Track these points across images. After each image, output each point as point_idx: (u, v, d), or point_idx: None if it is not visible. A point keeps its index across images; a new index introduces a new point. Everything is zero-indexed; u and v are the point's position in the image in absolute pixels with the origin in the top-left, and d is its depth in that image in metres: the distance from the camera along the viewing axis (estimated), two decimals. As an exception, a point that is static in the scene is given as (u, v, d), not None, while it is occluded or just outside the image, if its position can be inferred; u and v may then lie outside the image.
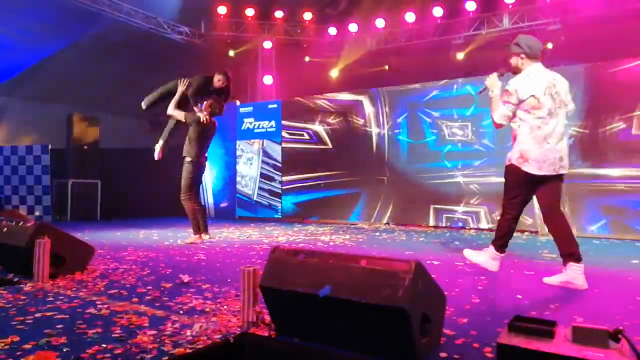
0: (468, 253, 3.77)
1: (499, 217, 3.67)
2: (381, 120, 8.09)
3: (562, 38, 7.83)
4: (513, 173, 3.40)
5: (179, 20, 9.26)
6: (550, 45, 7.85)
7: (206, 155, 5.81)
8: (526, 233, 6.67)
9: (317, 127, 8.79)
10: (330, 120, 8.67)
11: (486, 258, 3.64)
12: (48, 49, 8.47)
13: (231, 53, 10.26)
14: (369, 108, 8.23)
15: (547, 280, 3.28)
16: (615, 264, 4.22)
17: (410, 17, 9.30)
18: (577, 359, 1.42)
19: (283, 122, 9.11)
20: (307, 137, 8.90)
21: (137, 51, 9.30)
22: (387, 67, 9.71)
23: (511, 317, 1.65)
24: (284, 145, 9.15)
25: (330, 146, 8.67)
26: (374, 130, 8.23)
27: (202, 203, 5.97)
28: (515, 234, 6.45)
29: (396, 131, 7.94)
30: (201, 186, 6.00)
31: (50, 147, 8.90)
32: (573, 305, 2.68)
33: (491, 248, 3.61)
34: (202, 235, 5.68)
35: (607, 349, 1.44)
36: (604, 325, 1.50)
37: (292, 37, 10.39)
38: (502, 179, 3.61)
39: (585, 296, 2.92)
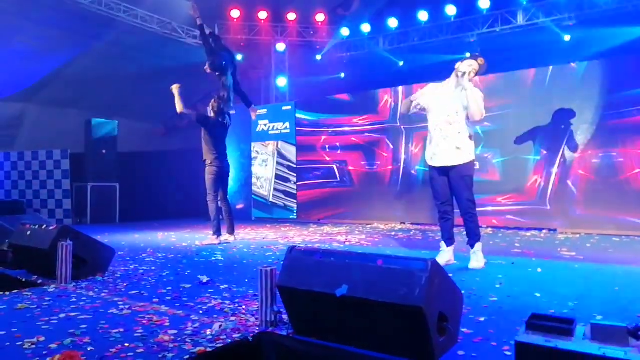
0: (473, 264, 3.79)
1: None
2: (398, 114, 8.07)
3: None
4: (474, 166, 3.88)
5: (194, 25, 9.35)
6: (567, 38, 7.76)
7: (225, 154, 5.89)
8: (544, 231, 6.60)
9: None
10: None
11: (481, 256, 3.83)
12: (65, 55, 8.62)
13: (239, 57, 10.33)
14: (387, 100, 8.24)
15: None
16: (635, 261, 4.16)
17: (423, 16, 9.26)
18: (596, 357, 1.41)
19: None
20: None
21: (153, 56, 9.42)
22: (401, 63, 9.69)
23: (529, 315, 1.65)
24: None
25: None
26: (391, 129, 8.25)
27: (229, 204, 5.95)
28: (533, 232, 6.45)
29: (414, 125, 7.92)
30: (227, 187, 5.98)
31: (69, 151, 9.08)
32: (592, 303, 2.65)
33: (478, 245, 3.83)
34: (228, 236, 5.77)
35: (627, 346, 1.43)
36: (623, 323, 1.49)
37: (305, 39, 10.43)
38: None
39: (604, 294, 2.89)
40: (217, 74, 5.89)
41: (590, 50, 7.45)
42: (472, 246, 3.81)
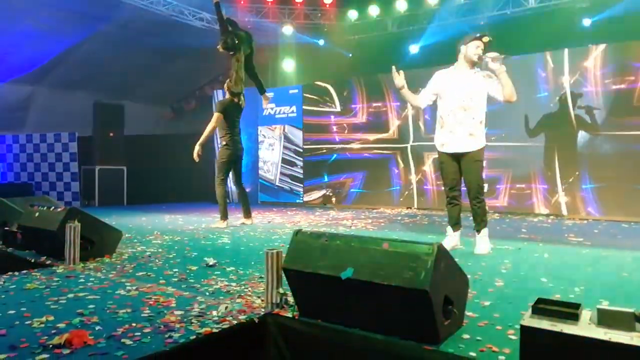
0: (479, 249, 3.78)
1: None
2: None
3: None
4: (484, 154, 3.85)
5: (201, 7, 9.28)
6: (587, 23, 7.58)
7: (239, 136, 5.83)
8: (552, 217, 6.56)
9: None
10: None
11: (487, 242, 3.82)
12: (73, 37, 8.60)
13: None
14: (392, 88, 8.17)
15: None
16: (644, 248, 4.12)
17: (432, -2, 9.10)
18: (602, 342, 1.40)
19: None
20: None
21: (160, 38, 9.37)
22: (411, 48, 9.56)
23: (535, 300, 1.64)
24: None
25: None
26: (397, 114, 8.19)
27: (243, 188, 5.91)
28: (540, 218, 6.42)
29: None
30: (240, 171, 5.94)
31: (77, 134, 9.11)
32: (599, 288, 2.64)
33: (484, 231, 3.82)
34: (245, 220, 5.77)
35: (634, 332, 1.42)
36: (630, 308, 1.48)
37: (313, 22, 10.32)
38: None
39: (611, 279, 2.88)
40: (230, 53, 5.77)
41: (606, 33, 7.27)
42: (479, 231, 3.80)
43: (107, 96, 9.83)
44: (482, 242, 3.78)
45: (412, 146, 8.05)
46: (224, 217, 5.68)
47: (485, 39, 3.73)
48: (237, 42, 5.72)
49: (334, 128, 8.90)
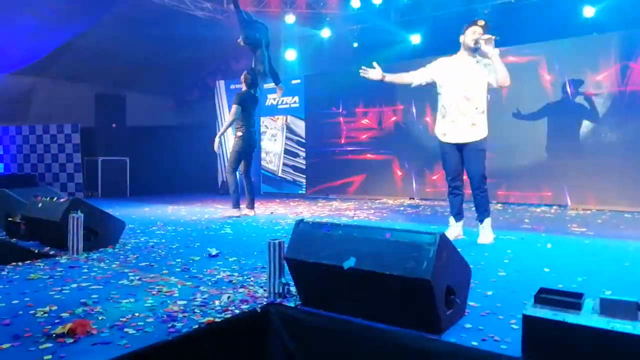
0: (482, 239, 3.77)
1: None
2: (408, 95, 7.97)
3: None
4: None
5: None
6: (591, 11, 7.49)
7: (255, 127, 5.91)
8: (554, 207, 6.55)
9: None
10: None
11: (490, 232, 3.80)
12: (75, 28, 8.56)
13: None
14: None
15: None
16: (647, 238, 4.11)
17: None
18: (604, 331, 1.40)
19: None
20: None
21: (161, 29, 9.32)
22: (412, 38, 9.48)
23: (538, 289, 1.64)
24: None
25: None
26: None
27: (251, 179, 5.96)
28: (543, 208, 6.41)
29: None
30: (251, 162, 6.00)
31: (80, 125, 9.12)
32: (601, 278, 2.64)
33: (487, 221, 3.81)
34: (248, 211, 5.79)
35: (636, 321, 1.41)
36: (633, 298, 1.48)
37: (315, 11, 10.24)
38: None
39: (614, 269, 2.87)
40: (250, 47, 5.91)
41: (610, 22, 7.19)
42: (482, 222, 3.79)
43: (109, 87, 9.81)
44: (486, 232, 3.77)
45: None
46: (236, 206, 5.75)
47: (481, 22, 3.73)
48: (257, 36, 5.85)
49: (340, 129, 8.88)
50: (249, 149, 5.82)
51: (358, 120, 8.68)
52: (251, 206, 5.86)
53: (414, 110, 8.02)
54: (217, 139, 5.86)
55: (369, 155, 8.53)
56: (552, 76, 6.76)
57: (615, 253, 3.38)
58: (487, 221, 3.79)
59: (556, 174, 6.66)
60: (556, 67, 6.73)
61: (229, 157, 5.82)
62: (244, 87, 5.86)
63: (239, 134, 5.72)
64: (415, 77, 3.98)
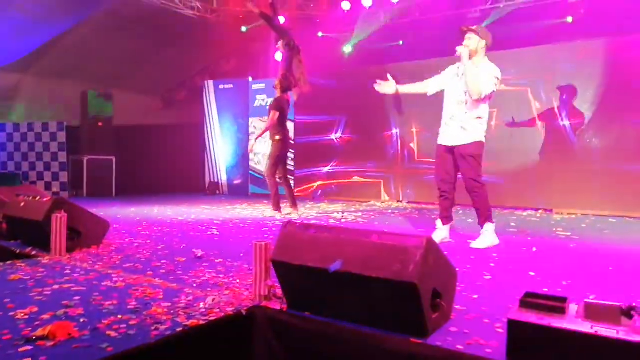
0: (476, 243, 3.77)
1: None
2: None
3: (582, 11, 7.54)
4: (483, 147, 3.78)
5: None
6: (570, 20, 7.58)
7: (288, 133, 6.06)
8: (540, 211, 6.61)
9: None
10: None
11: (493, 236, 3.76)
12: (62, 25, 8.44)
13: (243, 29, 10.15)
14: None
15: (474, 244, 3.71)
16: (630, 241, 4.17)
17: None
18: (588, 335, 1.41)
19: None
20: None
21: (150, 27, 9.24)
22: (401, 42, 9.51)
23: (523, 293, 1.65)
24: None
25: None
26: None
27: (289, 181, 6.18)
28: (529, 212, 6.46)
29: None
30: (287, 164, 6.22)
31: (65, 124, 8.99)
32: (585, 282, 2.66)
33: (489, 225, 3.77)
34: (292, 211, 5.90)
35: (619, 325, 1.43)
36: (616, 302, 1.49)
37: (305, 12, 10.23)
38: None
39: (598, 273, 2.90)
40: (290, 53, 6.11)
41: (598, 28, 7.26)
42: (482, 226, 3.80)
43: (96, 85, 9.69)
44: (483, 237, 3.77)
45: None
46: (277, 208, 5.85)
47: (463, 28, 3.76)
48: (294, 43, 6.14)
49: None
50: (286, 152, 6.05)
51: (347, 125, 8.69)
52: (294, 205, 5.97)
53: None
54: (253, 141, 6.22)
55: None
56: (538, 78, 6.83)
57: (600, 257, 3.42)
58: (487, 226, 3.78)
59: (542, 179, 6.72)
60: (541, 69, 6.79)
61: (267, 162, 5.93)
62: (278, 92, 5.95)
63: (278, 137, 5.82)
64: (430, 86, 4.02)
